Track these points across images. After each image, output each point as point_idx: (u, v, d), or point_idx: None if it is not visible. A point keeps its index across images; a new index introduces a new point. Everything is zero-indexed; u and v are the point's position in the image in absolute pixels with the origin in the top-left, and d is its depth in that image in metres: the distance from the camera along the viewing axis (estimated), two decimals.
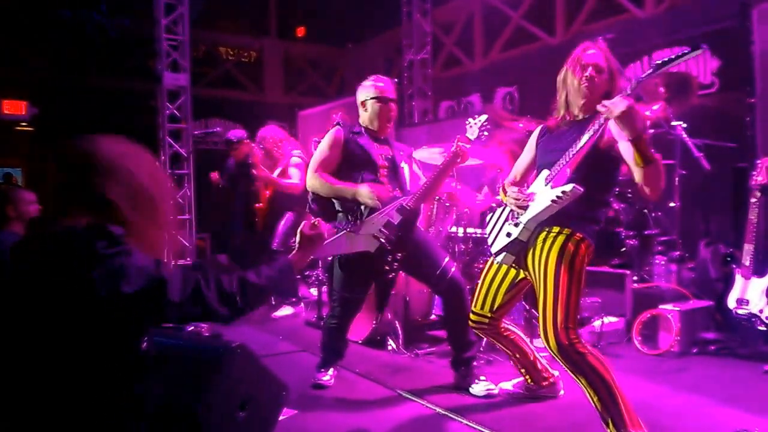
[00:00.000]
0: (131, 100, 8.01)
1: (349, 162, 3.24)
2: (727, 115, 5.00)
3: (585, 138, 2.40)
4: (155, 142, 6.89)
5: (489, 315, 2.85)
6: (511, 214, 2.70)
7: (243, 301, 1.53)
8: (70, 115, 7.67)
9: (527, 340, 3.07)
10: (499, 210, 2.83)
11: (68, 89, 8.24)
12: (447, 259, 3.25)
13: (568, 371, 2.43)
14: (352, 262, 3.24)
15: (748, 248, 3.62)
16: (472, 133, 3.18)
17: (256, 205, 5.62)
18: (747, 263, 3.61)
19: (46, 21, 8.37)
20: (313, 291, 5.42)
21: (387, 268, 3.21)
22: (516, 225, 2.63)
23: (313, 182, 3.23)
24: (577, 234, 2.50)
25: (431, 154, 4.22)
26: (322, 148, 3.29)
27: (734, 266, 3.70)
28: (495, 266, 2.82)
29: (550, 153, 2.61)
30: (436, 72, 8.68)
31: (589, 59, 2.53)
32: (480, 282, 2.90)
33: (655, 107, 4.34)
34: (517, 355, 2.99)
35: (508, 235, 2.66)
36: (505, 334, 2.94)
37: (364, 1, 9.80)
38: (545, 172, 2.57)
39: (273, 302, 5.67)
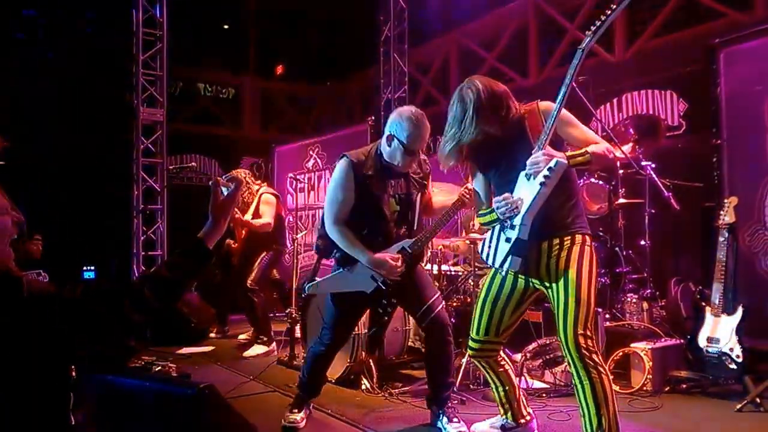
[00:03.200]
0: (106, 133, 7.95)
1: (358, 209, 3.09)
2: (695, 155, 5.12)
3: (549, 124, 2.43)
4: (129, 176, 6.81)
5: (494, 339, 2.77)
6: (505, 222, 2.64)
7: (154, 295, 1.51)
8: (42, 149, 7.57)
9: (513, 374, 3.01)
10: (489, 233, 2.77)
11: (40, 121, 8.14)
12: (436, 296, 3.20)
13: (577, 374, 2.45)
14: (346, 298, 3.19)
15: (717, 287, 3.67)
16: None
17: (232, 245, 5.58)
18: (717, 302, 3.66)
19: (18, 51, 8.31)
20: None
21: (380, 310, 3.17)
22: (513, 227, 2.57)
23: (335, 235, 3.08)
24: (580, 234, 2.56)
25: None
26: (335, 193, 3.09)
27: (704, 304, 3.74)
28: (495, 287, 2.74)
29: (501, 162, 2.63)
30: None
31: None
32: (477, 307, 2.80)
33: (626, 147, 4.44)
34: (507, 388, 2.91)
35: (508, 240, 2.61)
36: (501, 363, 2.90)
37: (343, 40, 9.97)
38: (522, 175, 2.52)
39: (245, 341, 5.58)
